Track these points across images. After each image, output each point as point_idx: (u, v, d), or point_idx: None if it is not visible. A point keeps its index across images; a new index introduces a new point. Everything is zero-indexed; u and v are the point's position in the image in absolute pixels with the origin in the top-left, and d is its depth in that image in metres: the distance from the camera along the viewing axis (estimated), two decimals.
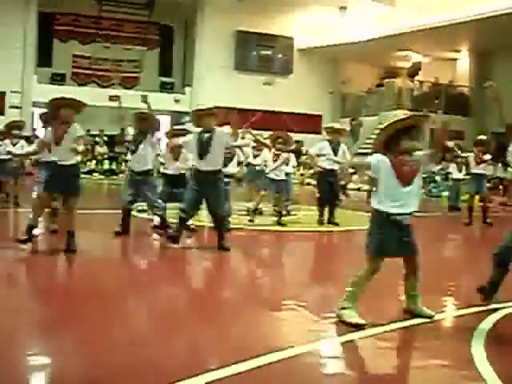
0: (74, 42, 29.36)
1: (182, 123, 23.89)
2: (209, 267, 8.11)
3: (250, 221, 11.32)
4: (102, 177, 24.77)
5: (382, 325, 4.98)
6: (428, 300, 5.42)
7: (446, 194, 17.92)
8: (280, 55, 31.75)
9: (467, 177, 14.05)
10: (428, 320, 5.22)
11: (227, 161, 9.58)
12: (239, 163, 10.84)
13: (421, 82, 30.04)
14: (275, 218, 11.53)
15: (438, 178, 21.44)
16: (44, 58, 28.93)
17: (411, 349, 4.80)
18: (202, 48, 30.13)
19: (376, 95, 30.89)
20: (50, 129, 7.85)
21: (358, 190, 19.87)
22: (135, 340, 4.50)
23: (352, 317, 4.95)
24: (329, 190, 11.66)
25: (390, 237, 5.00)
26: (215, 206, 8.47)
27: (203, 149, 8.25)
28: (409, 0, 24.80)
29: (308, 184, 21.63)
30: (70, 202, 7.76)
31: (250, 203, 11.96)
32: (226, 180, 9.70)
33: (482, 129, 27.64)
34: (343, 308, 5.04)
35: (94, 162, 25.84)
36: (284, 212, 11.82)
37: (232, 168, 10.20)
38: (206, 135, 8.27)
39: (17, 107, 26.97)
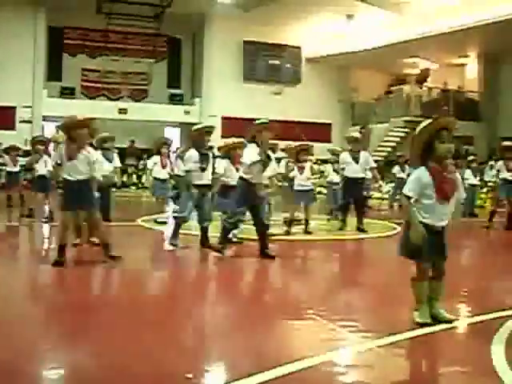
0: (82, 56, 29.46)
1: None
2: (233, 276, 8.10)
3: (287, 232, 11.32)
4: (114, 189, 24.65)
5: (401, 332, 4.95)
6: (447, 305, 5.40)
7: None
8: (288, 65, 31.77)
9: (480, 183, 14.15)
10: (447, 326, 5.19)
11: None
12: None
13: (430, 89, 30.02)
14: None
15: None
16: (53, 72, 29.08)
17: (431, 356, 4.76)
18: (211, 59, 30.21)
19: (385, 103, 30.88)
20: None
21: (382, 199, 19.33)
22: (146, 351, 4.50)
23: (421, 317, 5.19)
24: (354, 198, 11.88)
25: (429, 244, 5.12)
26: None
27: None
28: (416, 7, 24.72)
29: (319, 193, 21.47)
30: None
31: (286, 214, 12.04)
32: None
33: (492, 134, 27.66)
34: (416, 310, 5.27)
35: None
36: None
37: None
38: None
39: (27, 121, 27.09)
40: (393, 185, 18.29)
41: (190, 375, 3.97)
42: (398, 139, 28.47)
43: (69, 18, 28.09)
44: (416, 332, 5.03)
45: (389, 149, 28.17)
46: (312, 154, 12.17)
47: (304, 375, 4.08)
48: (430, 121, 5.15)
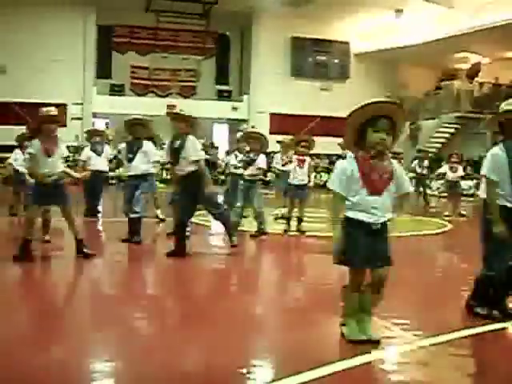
0: (132, 53, 29.76)
1: (241, 130, 23.91)
2: (267, 271, 8.09)
3: (285, 231, 10.83)
4: (162, 185, 24.84)
5: (454, 331, 4.87)
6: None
7: None
8: (336, 60, 31.63)
9: None
10: (501, 326, 5.09)
11: (245, 164, 10.14)
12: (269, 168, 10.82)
13: (481, 84, 29.49)
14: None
15: None
16: (103, 69, 29.50)
17: (485, 355, 4.66)
18: (258, 55, 30.26)
19: (434, 98, 30.50)
20: None
21: None
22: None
23: (351, 334, 4.55)
24: None
25: (359, 245, 4.38)
26: None
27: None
28: (466, 0, 24.37)
29: None
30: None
31: (283, 209, 11.87)
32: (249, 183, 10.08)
33: None
34: (343, 324, 4.67)
35: None
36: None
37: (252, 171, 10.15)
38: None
39: (78, 118, 27.53)
40: (442, 182, 18.04)
41: (243, 370, 3.97)
42: (447, 135, 28.13)
43: (118, 16, 28.44)
44: (469, 331, 4.94)
45: (438, 145, 27.83)
46: (312, 149, 11.69)
47: (357, 372, 4.04)
48: (365, 103, 4.51)
